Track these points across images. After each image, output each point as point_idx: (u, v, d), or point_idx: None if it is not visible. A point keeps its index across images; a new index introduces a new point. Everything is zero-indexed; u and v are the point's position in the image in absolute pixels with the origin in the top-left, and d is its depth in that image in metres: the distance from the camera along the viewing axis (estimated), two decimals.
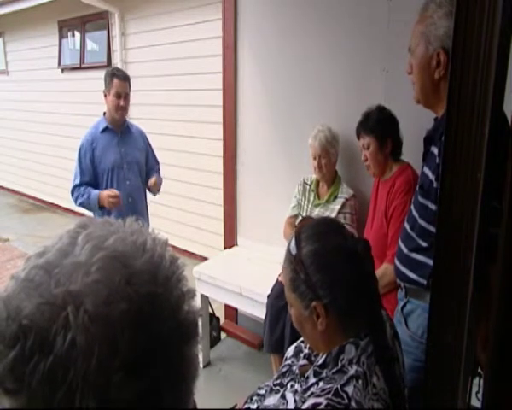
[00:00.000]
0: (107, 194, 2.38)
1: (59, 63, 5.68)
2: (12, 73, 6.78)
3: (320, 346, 0.94)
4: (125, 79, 2.48)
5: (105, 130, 2.53)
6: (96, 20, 5.07)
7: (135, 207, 2.59)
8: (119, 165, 2.53)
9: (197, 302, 2.56)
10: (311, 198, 2.34)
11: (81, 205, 2.49)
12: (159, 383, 0.38)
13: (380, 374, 0.86)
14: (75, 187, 2.48)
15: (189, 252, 4.30)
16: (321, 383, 0.86)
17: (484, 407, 0.80)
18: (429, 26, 1.18)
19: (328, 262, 0.88)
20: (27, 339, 0.34)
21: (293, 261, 0.90)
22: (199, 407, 0.49)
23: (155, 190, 2.67)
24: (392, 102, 2.02)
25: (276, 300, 2.21)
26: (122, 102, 2.46)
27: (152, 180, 2.59)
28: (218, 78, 3.12)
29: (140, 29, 4.52)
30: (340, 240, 0.91)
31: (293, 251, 0.91)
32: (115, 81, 2.44)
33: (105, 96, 2.49)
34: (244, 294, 2.42)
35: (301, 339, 1.14)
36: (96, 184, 2.51)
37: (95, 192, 2.43)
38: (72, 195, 2.49)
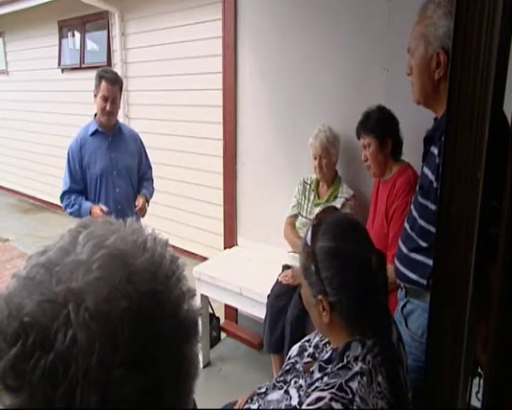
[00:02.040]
0: (99, 211, 2.29)
1: (59, 63, 5.68)
2: (12, 73, 6.78)
3: (325, 333, 0.96)
4: (113, 82, 2.35)
5: (95, 133, 2.42)
6: (96, 20, 5.07)
7: (124, 215, 2.49)
8: (109, 171, 2.43)
9: (197, 302, 2.56)
10: (311, 198, 2.34)
11: (71, 214, 2.40)
12: (159, 380, 0.38)
13: (385, 374, 0.86)
14: (64, 193, 2.39)
15: (189, 252, 4.30)
16: (325, 378, 0.87)
17: (484, 407, 0.80)
18: (429, 27, 1.18)
19: (338, 264, 0.88)
20: (28, 336, 0.34)
21: (308, 250, 0.91)
22: (199, 406, 0.49)
23: (142, 213, 2.54)
24: (392, 102, 2.02)
25: (276, 300, 2.21)
26: (108, 107, 2.34)
27: (140, 203, 2.47)
28: (218, 78, 3.12)
29: (140, 29, 4.52)
30: (355, 246, 0.90)
31: (309, 241, 0.92)
32: (103, 84, 2.32)
33: (94, 96, 2.39)
34: (244, 294, 2.42)
35: (305, 339, 1.14)
36: (84, 190, 2.43)
37: (86, 205, 2.35)
38: (62, 201, 2.40)
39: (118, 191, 2.46)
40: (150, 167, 2.74)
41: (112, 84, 2.34)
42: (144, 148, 2.69)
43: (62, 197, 2.40)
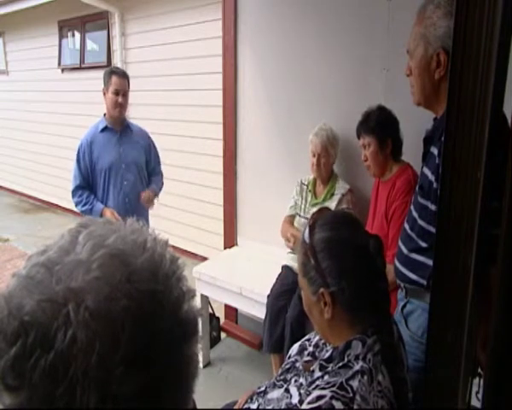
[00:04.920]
0: (110, 215, 2.43)
1: (59, 63, 5.68)
2: (12, 73, 6.77)
3: (326, 334, 0.96)
4: (123, 76, 2.51)
5: (104, 129, 2.54)
6: (96, 20, 5.07)
7: (132, 208, 2.59)
8: (117, 165, 2.54)
9: (197, 302, 2.56)
10: (309, 198, 2.34)
11: (82, 212, 2.52)
12: (158, 380, 0.38)
13: (385, 373, 0.86)
14: (76, 189, 2.50)
15: (189, 252, 4.30)
16: (326, 377, 0.87)
17: (484, 407, 0.80)
18: (429, 27, 1.18)
19: (337, 252, 0.89)
20: (28, 336, 0.34)
21: (306, 246, 0.92)
22: (199, 406, 0.49)
23: (148, 205, 2.68)
24: (392, 102, 2.02)
25: (276, 300, 2.21)
26: (120, 99, 2.48)
27: (144, 194, 2.62)
28: (218, 78, 3.12)
29: (140, 29, 4.52)
30: (352, 233, 0.92)
31: (307, 236, 0.93)
32: (113, 78, 2.46)
33: (104, 94, 2.52)
34: (244, 294, 2.42)
35: (305, 338, 1.14)
36: (93, 184, 2.54)
37: (98, 207, 2.48)
38: (73, 196, 2.51)
39: (126, 184, 2.56)
40: (159, 163, 2.86)
41: (122, 78, 2.49)
42: (154, 146, 2.80)
43: (74, 193, 2.52)
